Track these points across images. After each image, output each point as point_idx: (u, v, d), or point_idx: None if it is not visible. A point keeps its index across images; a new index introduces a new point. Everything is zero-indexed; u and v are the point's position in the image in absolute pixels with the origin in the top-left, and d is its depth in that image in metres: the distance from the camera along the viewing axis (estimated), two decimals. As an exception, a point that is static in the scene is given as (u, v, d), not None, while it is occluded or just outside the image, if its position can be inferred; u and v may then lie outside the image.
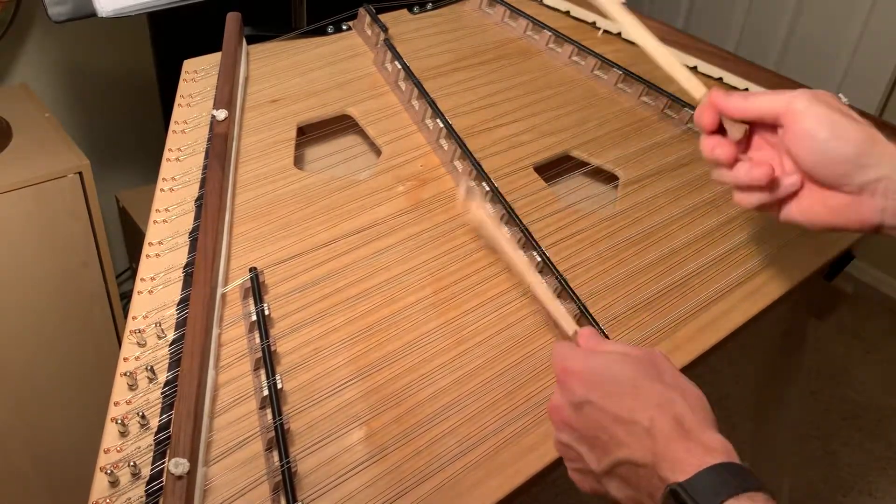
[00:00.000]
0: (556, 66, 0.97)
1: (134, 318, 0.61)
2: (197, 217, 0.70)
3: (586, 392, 0.48)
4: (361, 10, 0.98)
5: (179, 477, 0.48)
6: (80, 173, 1.03)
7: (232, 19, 0.90)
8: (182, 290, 0.63)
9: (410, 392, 0.59)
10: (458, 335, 0.63)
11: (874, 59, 1.66)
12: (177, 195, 0.73)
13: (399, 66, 0.87)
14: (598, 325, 0.64)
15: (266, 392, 0.56)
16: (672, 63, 0.61)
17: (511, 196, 0.75)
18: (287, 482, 0.51)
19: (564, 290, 0.65)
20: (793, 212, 0.55)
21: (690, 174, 0.83)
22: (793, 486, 1.36)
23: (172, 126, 0.81)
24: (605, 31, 1.02)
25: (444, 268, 0.69)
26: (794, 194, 0.55)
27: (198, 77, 0.89)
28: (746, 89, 0.97)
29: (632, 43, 1.01)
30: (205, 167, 0.75)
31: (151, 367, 0.57)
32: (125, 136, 1.51)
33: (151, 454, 0.52)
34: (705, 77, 0.98)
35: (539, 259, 0.67)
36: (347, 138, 0.88)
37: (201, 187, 0.72)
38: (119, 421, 0.53)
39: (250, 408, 0.57)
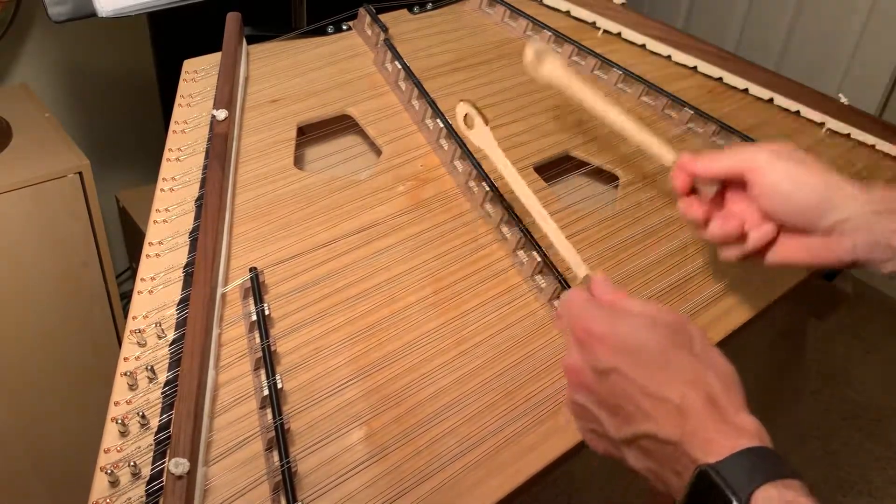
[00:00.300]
0: (556, 66, 0.97)
1: (134, 317, 0.61)
2: (197, 217, 0.70)
3: (612, 358, 0.47)
4: (361, 10, 0.98)
5: (179, 477, 0.48)
6: (80, 173, 1.03)
7: (232, 19, 0.90)
8: (182, 289, 0.63)
9: (411, 392, 0.59)
10: (458, 335, 0.63)
11: (874, 59, 1.66)
12: (177, 195, 0.73)
13: (399, 66, 0.87)
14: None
15: (266, 392, 0.56)
16: (640, 131, 0.65)
17: (511, 196, 0.75)
18: (287, 482, 0.51)
19: (565, 290, 0.65)
20: (776, 256, 0.59)
21: (690, 174, 0.83)
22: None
23: (172, 126, 0.81)
24: (605, 32, 1.02)
25: (444, 268, 0.69)
26: (773, 241, 0.59)
27: (198, 77, 0.89)
28: (746, 90, 0.97)
29: (632, 43, 1.01)
30: (205, 167, 0.75)
31: (151, 366, 0.57)
32: (125, 136, 1.51)
33: (151, 454, 0.52)
34: (705, 77, 0.99)
35: (539, 259, 0.67)
36: (347, 138, 0.88)
37: (201, 187, 0.72)
38: (119, 421, 0.53)
39: (250, 408, 0.57)
